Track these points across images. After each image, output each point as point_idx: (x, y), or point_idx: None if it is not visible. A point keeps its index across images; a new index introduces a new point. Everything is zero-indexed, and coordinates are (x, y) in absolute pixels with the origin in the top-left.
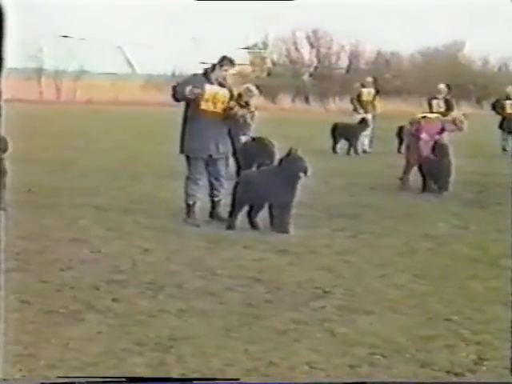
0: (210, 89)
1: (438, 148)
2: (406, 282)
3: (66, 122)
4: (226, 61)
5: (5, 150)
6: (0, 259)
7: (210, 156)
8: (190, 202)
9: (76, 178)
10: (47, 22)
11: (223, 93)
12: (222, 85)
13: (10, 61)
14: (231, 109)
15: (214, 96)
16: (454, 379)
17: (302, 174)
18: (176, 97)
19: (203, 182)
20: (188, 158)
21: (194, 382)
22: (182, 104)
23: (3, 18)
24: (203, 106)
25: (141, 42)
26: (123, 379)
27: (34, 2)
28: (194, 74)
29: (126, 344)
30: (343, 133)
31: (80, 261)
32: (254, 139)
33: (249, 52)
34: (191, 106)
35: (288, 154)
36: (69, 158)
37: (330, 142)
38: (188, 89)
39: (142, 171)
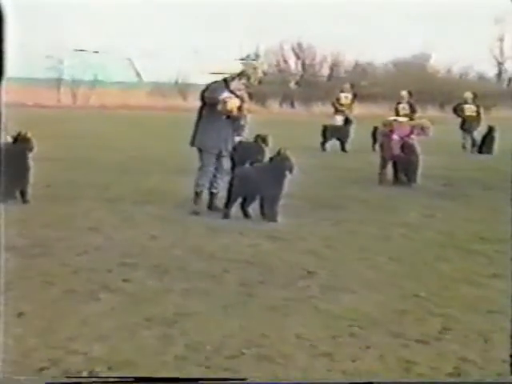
0: (227, 95)
1: (407, 147)
2: (382, 263)
3: (82, 124)
4: (243, 74)
5: (31, 149)
6: (0, 247)
7: (220, 152)
8: (198, 191)
9: (91, 173)
10: (66, 37)
11: (235, 101)
12: (235, 94)
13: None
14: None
15: (233, 104)
16: (450, 379)
17: (287, 173)
18: (205, 100)
19: (212, 173)
20: (200, 151)
21: (199, 381)
22: (183, 108)
23: (3, 21)
24: (220, 108)
25: (147, 54)
26: (131, 379)
27: (55, 20)
28: (215, 81)
29: (136, 319)
30: (334, 133)
31: (95, 247)
32: (259, 137)
33: (242, 63)
34: (208, 106)
35: (278, 153)
36: (84, 156)
37: (314, 140)
38: (224, 95)
39: (149, 167)
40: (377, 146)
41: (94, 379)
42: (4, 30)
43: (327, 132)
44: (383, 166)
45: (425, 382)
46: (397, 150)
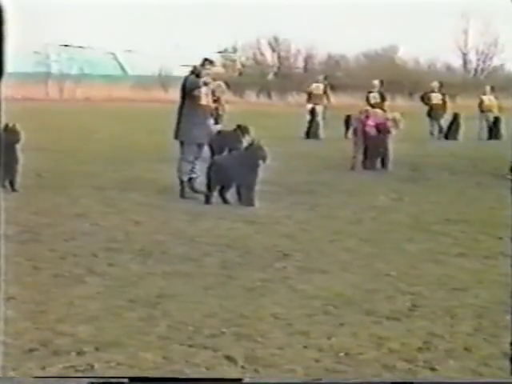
0: (204, 88)
1: (383, 130)
2: (354, 245)
3: (69, 117)
4: (207, 62)
5: (18, 140)
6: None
7: (201, 143)
8: (183, 178)
9: (78, 163)
10: (53, 33)
11: (207, 90)
12: (205, 83)
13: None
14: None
15: (206, 93)
16: (447, 380)
17: (261, 162)
18: (186, 91)
19: (194, 162)
20: (182, 143)
21: (196, 381)
22: (164, 100)
23: (4, 20)
24: (203, 101)
25: (130, 48)
26: (125, 379)
27: (41, 17)
28: (191, 74)
29: (121, 301)
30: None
31: (81, 233)
32: (240, 127)
33: (221, 56)
34: (189, 100)
35: (251, 144)
36: (72, 146)
37: (289, 129)
38: (204, 89)
39: (133, 157)
40: (349, 134)
41: (90, 379)
42: (4, 30)
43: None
44: (356, 151)
45: (425, 382)
46: (373, 133)
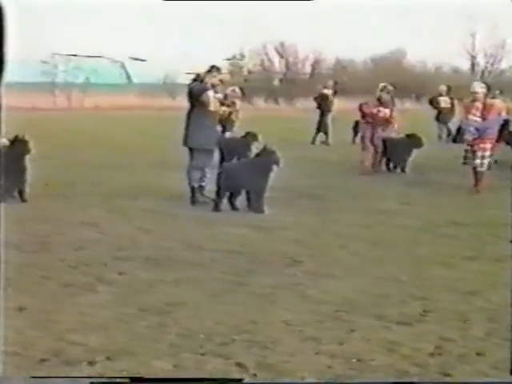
0: (212, 94)
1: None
2: (363, 250)
3: (77, 125)
4: (214, 69)
5: (28, 151)
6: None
7: (211, 149)
8: (195, 185)
9: (86, 172)
10: (59, 42)
11: (215, 95)
12: (213, 85)
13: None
14: (226, 108)
15: (214, 98)
16: (447, 380)
17: (274, 166)
18: (193, 97)
19: (204, 169)
20: (191, 149)
21: (196, 381)
22: (172, 107)
23: (4, 20)
24: (212, 107)
25: (136, 56)
26: (126, 379)
27: (48, 26)
28: (195, 80)
29: (131, 310)
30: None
31: (90, 241)
32: (249, 134)
33: (229, 63)
34: (198, 106)
35: (264, 149)
36: (80, 155)
37: (297, 134)
38: (210, 94)
39: (141, 164)
40: (357, 139)
41: (91, 379)
42: (4, 29)
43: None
44: (364, 156)
45: (425, 382)
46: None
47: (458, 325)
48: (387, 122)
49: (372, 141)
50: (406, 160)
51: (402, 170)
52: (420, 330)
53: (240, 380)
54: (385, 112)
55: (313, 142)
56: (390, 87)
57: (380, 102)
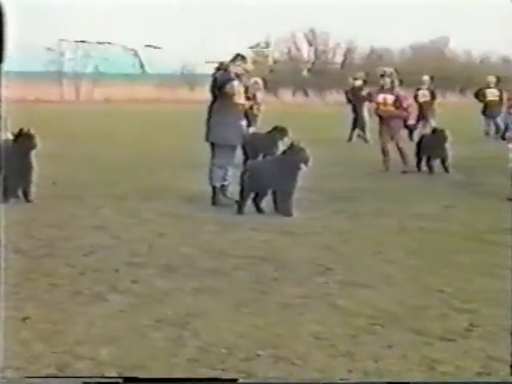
0: (237, 84)
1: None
2: (400, 257)
3: (86, 119)
4: (239, 57)
5: (34, 146)
6: (0, 245)
7: (234, 145)
8: (216, 185)
9: (97, 170)
10: (67, 28)
11: (240, 85)
12: (238, 75)
13: (34, 65)
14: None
15: (239, 89)
16: (447, 380)
17: (302, 165)
18: (216, 88)
19: (226, 167)
20: (214, 145)
21: (191, 381)
22: (190, 100)
23: (3, 17)
24: (236, 99)
25: (152, 44)
26: (119, 379)
27: (53, 9)
28: (218, 69)
29: (146, 321)
30: None
31: (101, 246)
32: (276, 128)
33: (253, 51)
34: (221, 98)
35: (291, 145)
36: (89, 152)
37: (331, 130)
38: (236, 84)
39: (157, 162)
40: (414, 136)
41: (84, 379)
42: (4, 29)
43: None
44: (386, 153)
45: (425, 382)
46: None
47: (507, 341)
48: (399, 111)
49: (390, 136)
50: (445, 157)
51: (446, 170)
52: (465, 346)
53: (235, 380)
54: (391, 99)
55: (349, 140)
56: (390, 70)
57: (383, 89)
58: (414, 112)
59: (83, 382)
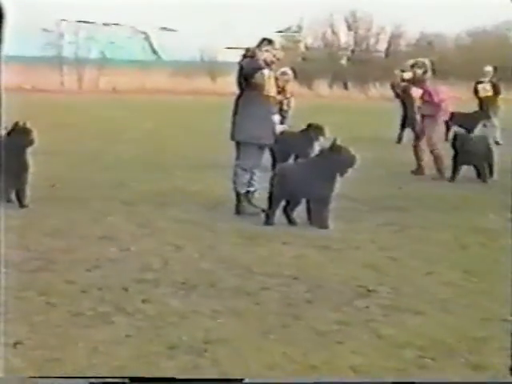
0: (267, 74)
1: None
2: (456, 279)
3: (90, 112)
4: (265, 42)
5: (31, 142)
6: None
7: (263, 144)
8: (242, 191)
9: (102, 170)
10: (66, 6)
11: (271, 75)
12: (267, 63)
13: (29, 49)
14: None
15: (269, 79)
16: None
17: (348, 169)
18: (243, 78)
19: (253, 170)
20: (239, 144)
21: (196, 381)
22: (211, 91)
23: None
24: (266, 91)
25: (166, 27)
26: (126, 379)
27: None
28: (245, 56)
29: (158, 347)
30: (458, 121)
31: (108, 259)
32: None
33: (282, 36)
34: (249, 89)
35: (332, 146)
36: (94, 149)
37: (375, 128)
38: (266, 73)
39: (172, 163)
40: (450, 135)
41: (91, 379)
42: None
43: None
44: (421, 155)
45: (425, 382)
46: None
47: None
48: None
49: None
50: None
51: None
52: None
53: (241, 380)
54: (419, 93)
55: (399, 141)
56: (423, 60)
57: (412, 82)
58: (447, 109)
59: (89, 383)
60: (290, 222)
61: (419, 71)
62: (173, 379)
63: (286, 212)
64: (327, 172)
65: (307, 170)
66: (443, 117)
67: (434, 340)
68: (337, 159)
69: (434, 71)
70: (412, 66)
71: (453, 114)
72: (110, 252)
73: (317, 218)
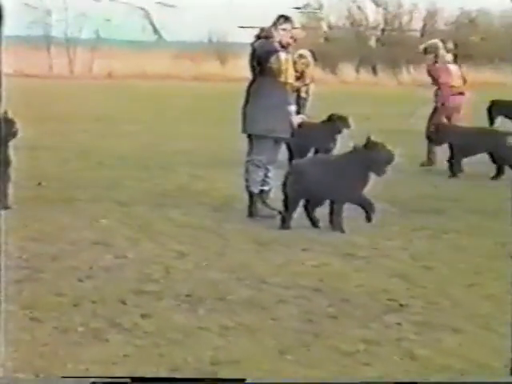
0: (284, 57)
1: None
2: (500, 292)
3: (82, 100)
4: (282, 19)
5: (14, 134)
6: (0, 266)
7: (279, 137)
8: (255, 190)
9: (95, 167)
10: None
11: (288, 58)
12: (283, 46)
13: (11, 27)
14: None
15: (287, 65)
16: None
17: (385, 166)
18: (256, 61)
19: (267, 167)
20: (252, 137)
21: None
22: (220, 76)
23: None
24: (283, 77)
25: (162, 1)
26: (127, 379)
27: None
28: (258, 37)
29: (159, 369)
30: (503, 110)
31: (102, 268)
32: (333, 116)
33: (301, 13)
34: (263, 75)
35: (367, 142)
36: (86, 143)
37: (404, 119)
38: (283, 57)
39: (174, 159)
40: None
41: (92, 379)
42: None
43: (493, 109)
44: (432, 148)
45: (426, 382)
46: None
47: None
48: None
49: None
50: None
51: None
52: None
53: (243, 380)
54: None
55: None
56: (434, 41)
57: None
58: (445, 93)
59: (91, 382)
60: (314, 224)
61: (431, 56)
62: (173, 379)
63: (308, 211)
64: (359, 171)
65: (334, 168)
66: (439, 102)
67: (473, 361)
68: (372, 156)
69: (455, 55)
70: (425, 52)
71: (493, 103)
72: (105, 259)
73: (337, 221)
